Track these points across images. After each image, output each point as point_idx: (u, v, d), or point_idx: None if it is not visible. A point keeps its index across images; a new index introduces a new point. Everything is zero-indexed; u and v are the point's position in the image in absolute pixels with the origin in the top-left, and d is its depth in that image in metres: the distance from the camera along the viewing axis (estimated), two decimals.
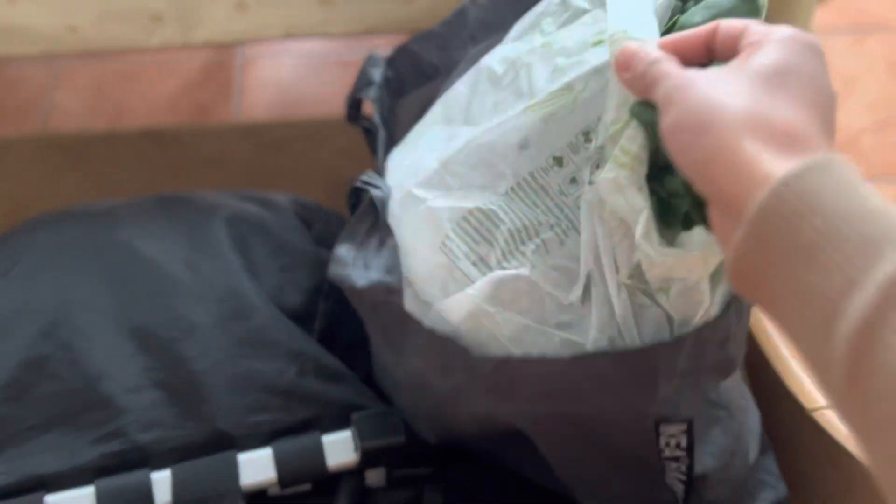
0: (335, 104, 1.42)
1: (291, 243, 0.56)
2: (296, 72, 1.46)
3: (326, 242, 0.61)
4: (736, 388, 0.53)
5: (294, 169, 0.76)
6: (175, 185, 0.74)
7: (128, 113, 1.46)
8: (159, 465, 0.46)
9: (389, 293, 0.44)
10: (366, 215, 0.48)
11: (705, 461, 0.49)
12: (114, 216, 0.56)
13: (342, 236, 0.49)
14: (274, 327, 0.50)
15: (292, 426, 0.48)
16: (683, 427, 0.40)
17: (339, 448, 0.47)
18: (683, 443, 0.42)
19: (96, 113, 1.43)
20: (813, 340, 0.25)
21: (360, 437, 0.47)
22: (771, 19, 0.35)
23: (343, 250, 0.48)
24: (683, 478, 0.42)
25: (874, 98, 1.43)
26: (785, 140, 0.26)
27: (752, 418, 0.54)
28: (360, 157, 0.77)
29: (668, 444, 0.41)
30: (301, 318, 0.54)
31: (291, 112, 1.40)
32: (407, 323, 0.44)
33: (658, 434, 0.41)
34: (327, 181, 0.76)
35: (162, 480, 0.46)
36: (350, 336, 0.58)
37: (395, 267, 0.45)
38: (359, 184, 0.50)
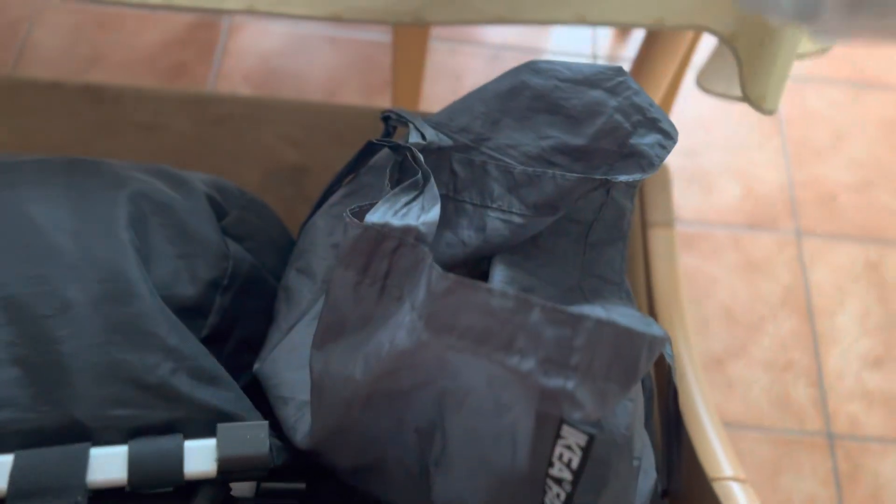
0: (313, 81, 1.39)
1: (196, 230, 0.53)
2: (281, 42, 1.43)
3: (239, 232, 0.58)
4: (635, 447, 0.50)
5: (232, 148, 0.73)
6: (107, 147, 0.71)
7: (103, 60, 1.42)
8: (5, 448, 0.43)
9: (418, 239, 0.43)
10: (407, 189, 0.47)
11: None
12: (15, 173, 0.53)
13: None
14: (154, 318, 0.47)
15: (155, 426, 0.46)
16: (584, 440, 0.37)
17: (198, 456, 0.45)
18: (575, 463, 0.38)
19: (71, 56, 1.39)
20: None
21: (221, 448, 0.45)
22: (752, 70, 0.33)
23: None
24: None
25: (861, 156, 1.41)
26: None
27: (643, 481, 0.52)
28: (302, 146, 0.74)
29: (560, 457, 0.38)
30: (192, 310, 0.51)
31: (267, 82, 1.37)
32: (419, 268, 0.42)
33: (557, 437, 0.38)
34: (265, 165, 0.73)
35: (3, 465, 0.43)
36: (245, 334, 0.55)
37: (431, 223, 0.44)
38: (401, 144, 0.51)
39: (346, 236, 0.43)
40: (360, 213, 0.45)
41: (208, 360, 0.48)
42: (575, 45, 1.47)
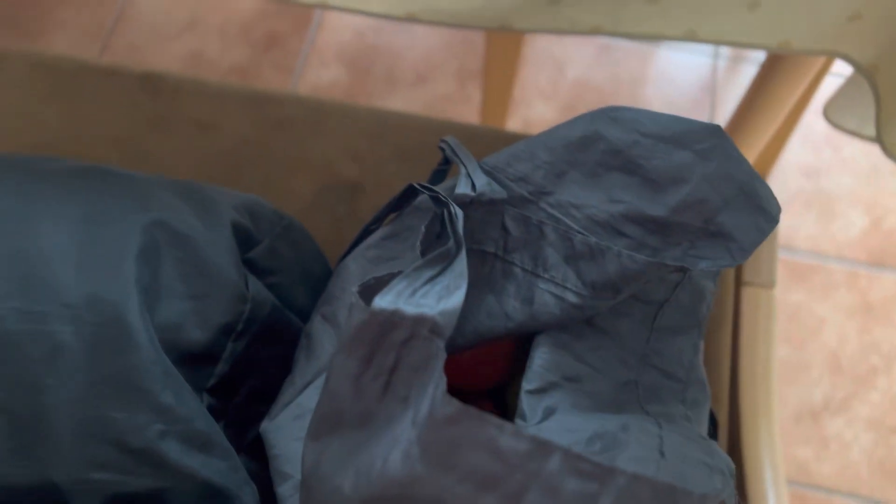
0: (406, 62, 1.32)
1: (213, 267, 0.48)
2: (379, 18, 1.36)
3: (268, 265, 0.53)
4: None
5: (289, 155, 0.67)
6: (159, 143, 0.67)
7: (199, 24, 1.40)
8: None
9: (433, 332, 0.36)
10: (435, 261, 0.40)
11: None
12: (38, 182, 0.50)
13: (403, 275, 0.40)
14: (149, 372, 0.43)
15: (137, 493, 0.41)
16: None
17: None
18: None
19: (168, 18, 1.37)
20: None
21: None
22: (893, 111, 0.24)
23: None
24: None
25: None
26: None
27: None
28: (362, 159, 0.68)
29: None
30: (199, 357, 0.46)
31: (358, 60, 1.31)
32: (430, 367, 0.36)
33: None
34: (320, 178, 0.67)
35: None
36: (258, 385, 0.50)
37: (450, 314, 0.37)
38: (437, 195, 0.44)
39: (350, 318, 0.37)
40: (373, 288, 0.39)
41: (205, 423, 0.43)
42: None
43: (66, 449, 0.41)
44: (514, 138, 0.70)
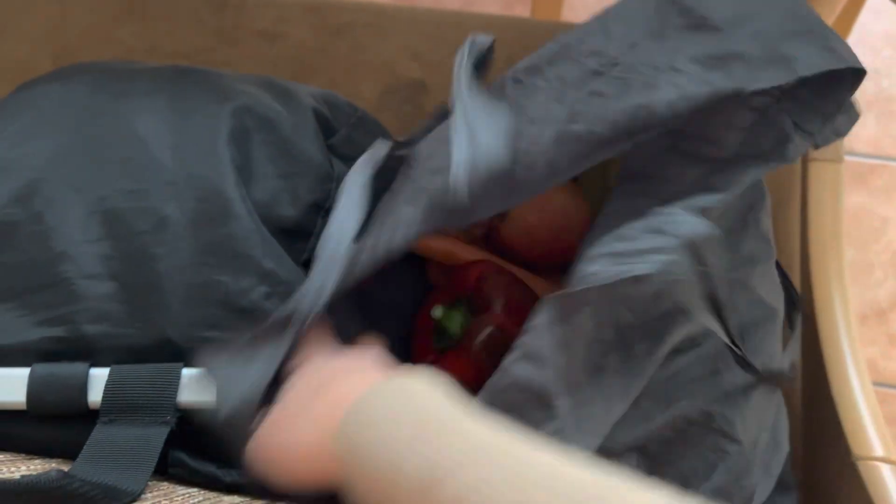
0: None
1: (300, 148, 0.51)
2: None
3: (347, 151, 0.55)
4: (759, 417, 0.44)
5: (352, 59, 0.69)
6: (227, 55, 0.69)
7: None
8: (101, 362, 0.43)
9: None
10: None
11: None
12: (127, 82, 0.52)
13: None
14: (250, 239, 0.45)
15: None
16: None
17: None
18: None
19: None
20: None
21: None
22: None
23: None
24: None
25: None
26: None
27: (774, 455, 0.46)
28: (424, 59, 0.69)
29: None
30: (292, 233, 0.49)
31: None
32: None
33: None
34: (384, 80, 0.69)
35: (99, 377, 0.43)
36: None
37: None
38: None
39: None
40: None
41: None
42: None
43: (179, 311, 0.44)
44: (569, 27, 0.70)
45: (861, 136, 1.17)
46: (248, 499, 0.42)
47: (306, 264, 0.49)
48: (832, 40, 0.42)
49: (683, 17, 0.45)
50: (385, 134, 0.60)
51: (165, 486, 0.41)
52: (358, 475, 0.32)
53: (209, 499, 0.40)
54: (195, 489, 0.42)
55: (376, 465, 0.30)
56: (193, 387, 0.43)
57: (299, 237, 0.49)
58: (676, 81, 0.41)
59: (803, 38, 0.42)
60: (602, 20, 0.48)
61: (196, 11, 0.70)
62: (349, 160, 0.55)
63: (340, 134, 0.55)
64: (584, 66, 0.46)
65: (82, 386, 0.43)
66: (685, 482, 0.42)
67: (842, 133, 0.46)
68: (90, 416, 0.43)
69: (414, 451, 0.29)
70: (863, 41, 1.20)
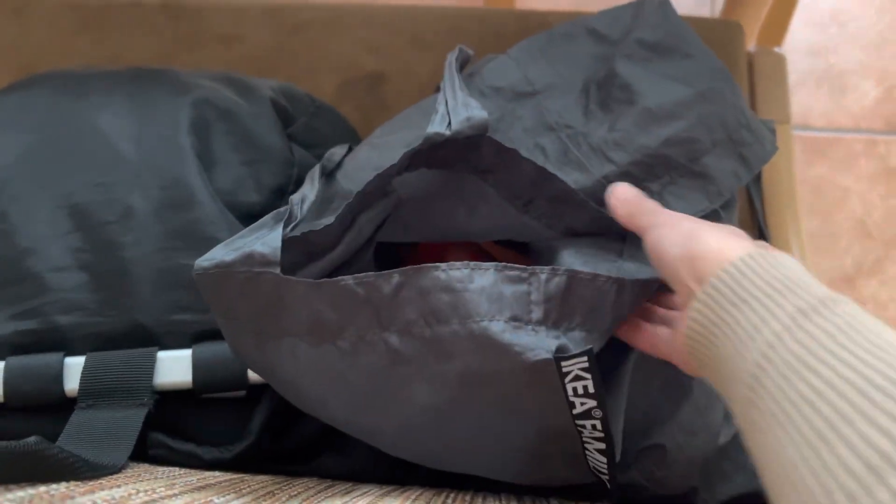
0: None
1: (260, 136, 0.52)
2: None
3: (306, 139, 0.56)
4: None
5: (310, 57, 0.71)
6: (187, 60, 0.71)
7: None
8: (76, 351, 0.44)
9: (264, 264, 0.37)
10: None
11: (665, 435, 0.43)
12: (85, 84, 0.53)
13: None
14: (215, 223, 0.47)
15: (218, 331, 0.45)
16: (584, 360, 0.33)
17: None
18: (590, 386, 0.34)
19: None
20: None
21: None
22: None
23: None
24: (602, 445, 0.36)
25: None
26: (737, 237, 0.34)
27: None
28: (380, 52, 0.71)
29: (575, 392, 0.34)
30: (257, 217, 0.50)
31: None
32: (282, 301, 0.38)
33: (562, 377, 0.33)
34: (342, 74, 0.71)
35: (74, 366, 0.44)
36: None
37: None
38: None
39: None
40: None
41: None
42: None
43: (149, 296, 0.45)
44: (522, 17, 0.72)
45: (815, 110, 1.20)
46: (228, 473, 0.42)
47: None
48: (748, 144, 0.45)
49: (623, 91, 0.47)
50: (344, 123, 0.61)
51: (146, 466, 0.42)
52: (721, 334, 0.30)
53: (191, 473, 0.41)
54: (176, 468, 0.43)
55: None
56: (169, 369, 0.44)
57: None
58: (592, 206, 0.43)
59: (725, 147, 0.45)
60: (551, 60, 0.51)
61: (153, 20, 0.71)
62: (309, 147, 0.56)
63: (299, 122, 0.56)
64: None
65: (57, 375, 0.43)
66: None
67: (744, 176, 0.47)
68: (70, 406, 0.44)
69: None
70: (809, 20, 1.24)
